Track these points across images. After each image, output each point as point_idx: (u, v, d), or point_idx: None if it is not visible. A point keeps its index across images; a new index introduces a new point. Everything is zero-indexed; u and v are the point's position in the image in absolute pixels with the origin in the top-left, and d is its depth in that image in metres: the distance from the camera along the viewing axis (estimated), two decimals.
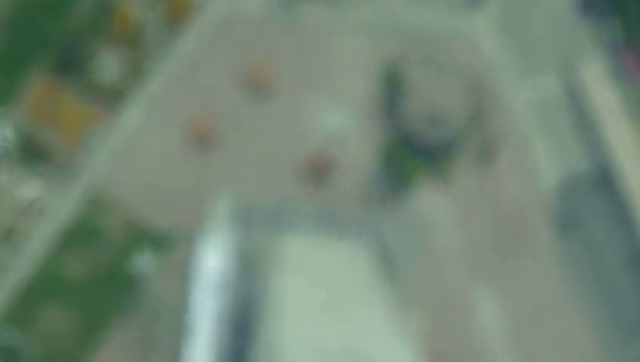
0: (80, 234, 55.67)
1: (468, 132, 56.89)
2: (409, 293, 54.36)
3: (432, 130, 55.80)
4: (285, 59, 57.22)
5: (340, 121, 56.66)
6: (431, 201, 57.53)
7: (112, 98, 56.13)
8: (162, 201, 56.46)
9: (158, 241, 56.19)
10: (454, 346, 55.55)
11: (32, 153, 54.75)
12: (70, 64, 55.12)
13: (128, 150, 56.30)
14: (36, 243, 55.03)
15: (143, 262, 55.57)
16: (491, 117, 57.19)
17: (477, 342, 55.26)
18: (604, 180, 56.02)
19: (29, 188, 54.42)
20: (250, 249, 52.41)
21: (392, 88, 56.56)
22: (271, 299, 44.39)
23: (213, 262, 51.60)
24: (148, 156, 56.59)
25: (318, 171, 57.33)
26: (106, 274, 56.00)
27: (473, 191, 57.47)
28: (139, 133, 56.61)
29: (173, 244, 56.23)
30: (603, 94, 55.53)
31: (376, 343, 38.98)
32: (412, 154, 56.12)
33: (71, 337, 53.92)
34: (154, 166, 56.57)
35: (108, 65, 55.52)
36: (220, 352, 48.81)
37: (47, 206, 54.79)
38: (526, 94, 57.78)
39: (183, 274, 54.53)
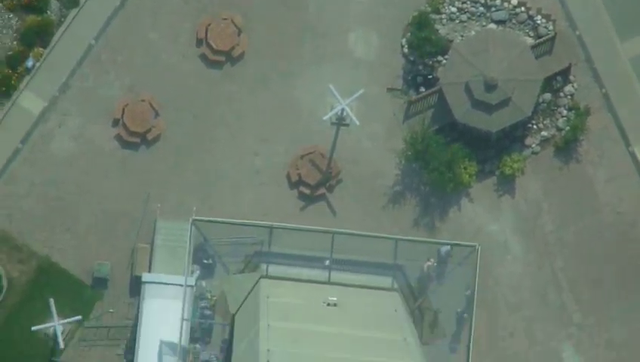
0: None
1: (544, 106, 51.43)
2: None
3: (488, 105, 48.90)
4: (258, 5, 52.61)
5: (344, 96, 49.25)
6: (490, 216, 52.23)
7: None
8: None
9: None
10: None
11: None
12: None
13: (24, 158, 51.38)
14: None
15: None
16: (580, 81, 51.65)
17: None
18: None
19: None
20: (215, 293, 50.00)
21: (423, 38, 50.75)
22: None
23: None
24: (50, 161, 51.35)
25: (316, 175, 51.58)
26: None
27: (555, 197, 51.75)
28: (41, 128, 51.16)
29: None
30: None
31: None
32: (457, 142, 50.51)
33: None
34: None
35: None
36: None
37: None
38: (633, 48, 52.20)
39: None
